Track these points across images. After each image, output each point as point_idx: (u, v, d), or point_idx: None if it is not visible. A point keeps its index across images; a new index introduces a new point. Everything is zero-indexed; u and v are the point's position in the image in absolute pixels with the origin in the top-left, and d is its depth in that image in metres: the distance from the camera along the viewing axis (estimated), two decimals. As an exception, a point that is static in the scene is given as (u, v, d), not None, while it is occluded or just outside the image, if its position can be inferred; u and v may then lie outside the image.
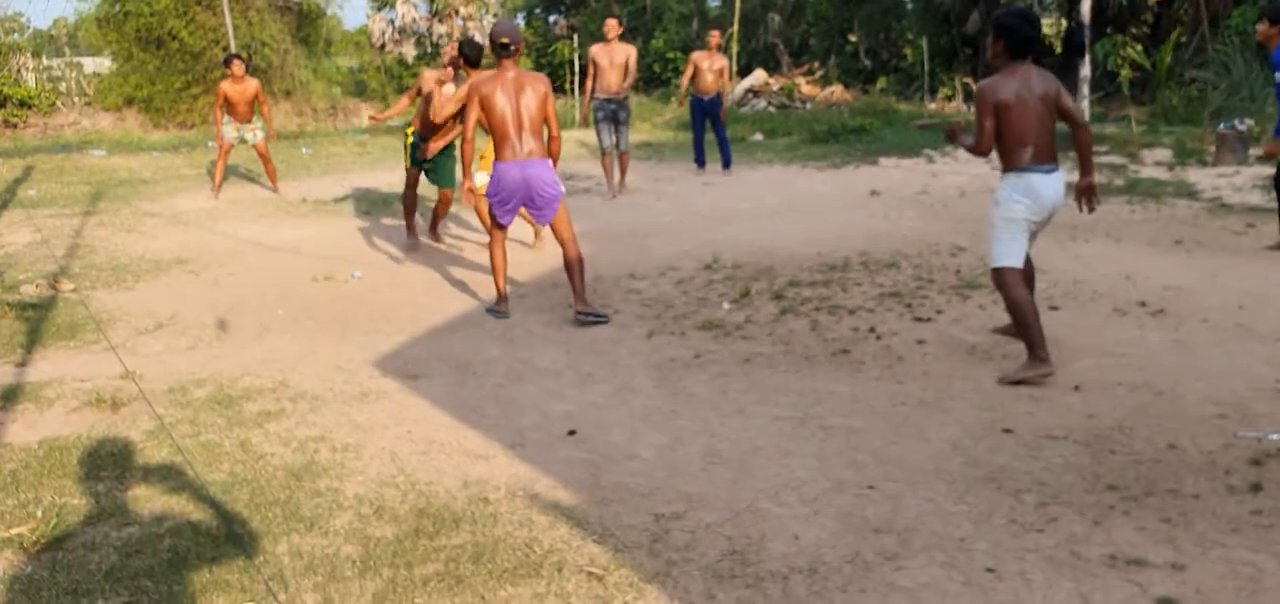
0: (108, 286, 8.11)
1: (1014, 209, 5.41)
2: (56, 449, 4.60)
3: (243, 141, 12.87)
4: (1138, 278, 7.32)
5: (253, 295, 7.78)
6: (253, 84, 12.90)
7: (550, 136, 6.91)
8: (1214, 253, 8.09)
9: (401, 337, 6.56)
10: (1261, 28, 8.19)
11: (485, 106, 6.70)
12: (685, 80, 13.85)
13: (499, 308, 7.03)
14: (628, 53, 12.30)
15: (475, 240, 9.76)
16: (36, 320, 6.98)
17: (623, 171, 12.64)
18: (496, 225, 6.99)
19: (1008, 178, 5.42)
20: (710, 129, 13.76)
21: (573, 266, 6.82)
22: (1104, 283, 7.23)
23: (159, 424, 4.92)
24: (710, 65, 13.51)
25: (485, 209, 9.06)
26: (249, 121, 12.82)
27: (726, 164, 13.86)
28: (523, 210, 7.07)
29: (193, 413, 5.11)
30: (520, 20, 32.14)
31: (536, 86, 6.78)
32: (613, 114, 12.17)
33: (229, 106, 12.68)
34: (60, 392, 5.45)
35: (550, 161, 6.87)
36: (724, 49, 14.57)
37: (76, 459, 4.48)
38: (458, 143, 8.96)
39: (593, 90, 12.32)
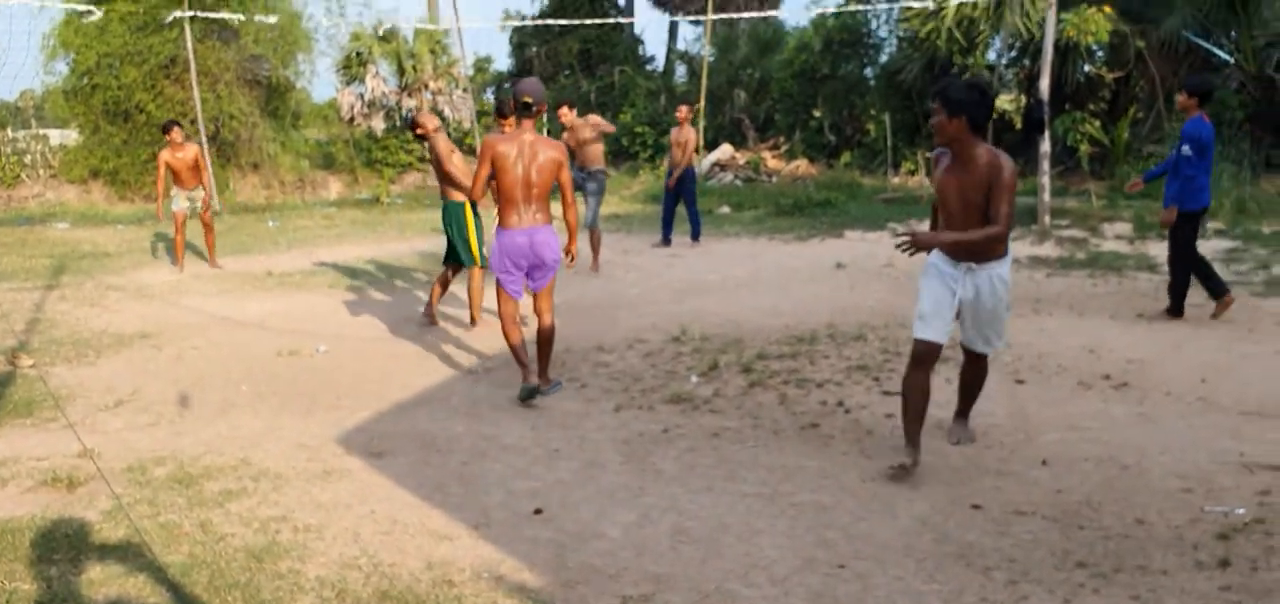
0: (68, 362, 7.98)
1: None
2: (8, 531, 4.48)
3: (193, 205, 12.76)
4: (1101, 351, 7.38)
5: (216, 370, 7.68)
6: (192, 149, 12.80)
7: (565, 205, 6.61)
8: (1176, 325, 8.19)
9: (366, 412, 6.49)
10: (1180, 98, 8.48)
11: (498, 167, 6.42)
12: (673, 160, 13.79)
13: (527, 382, 6.53)
14: (591, 120, 12.37)
15: (448, 315, 9.71)
16: (-7, 397, 6.85)
17: (594, 250, 12.20)
18: (507, 298, 6.68)
19: (1006, 260, 5.24)
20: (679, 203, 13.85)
21: (546, 339, 6.71)
22: (1068, 356, 7.28)
23: (117, 504, 4.82)
24: (679, 139, 13.69)
25: (479, 285, 9.08)
26: (196, 187, 12.75)
27: (696, 236, 13.95)
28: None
29: (152, 492, 5.01)
30: (488, 95, 32.33)
31: (552, 153, 6.48)
32: (580, 184, 11.95)
33: (174, 176, 12.60)
34: (15, 471, 5.33)
35: (552, 228, 6.60)
36: (693, 122, 14.68)
37: (29, 541, 4.37)
38: (461, 207, 8.87)
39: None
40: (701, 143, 24.06)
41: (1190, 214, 8.27)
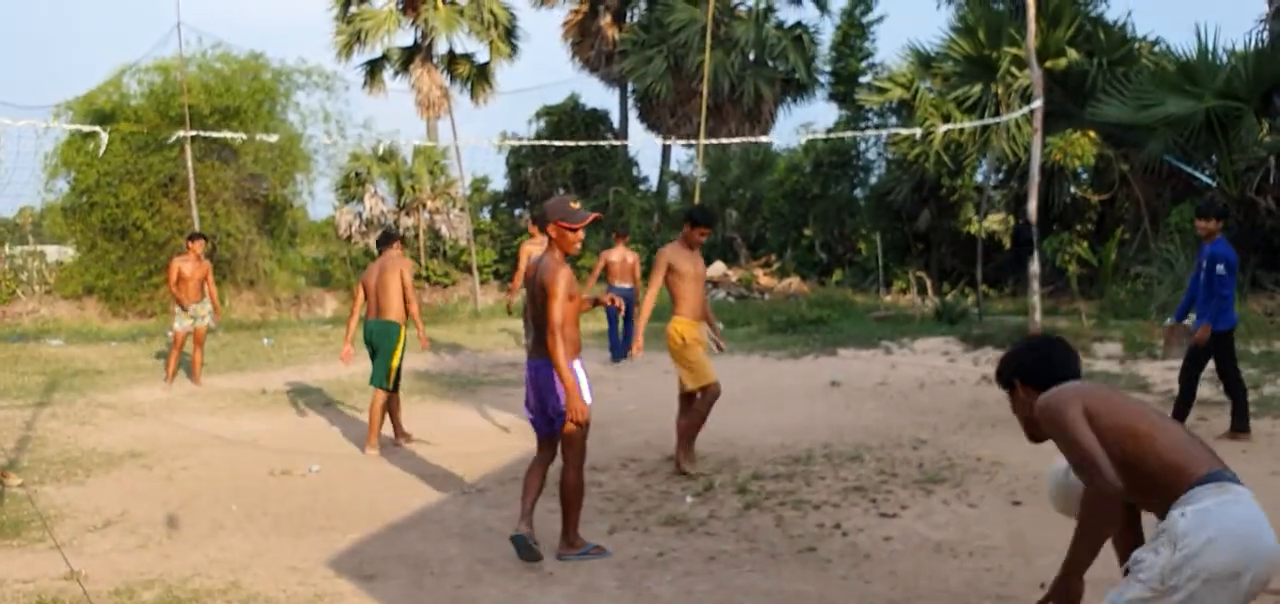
0: (57, 481, 7.92)
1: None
2: (-6, 657, 4.42)
3: (195, 321, 12.84)
4: (1097, 471, 7.36)
5: (206, 490, 7.62)
6: (205, 265, 13.02)
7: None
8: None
9: (357, 534, 6.43)
10: (1199, 223, 8.60)
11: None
12: (594, 277, 14.50)
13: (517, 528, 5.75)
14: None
15: (434, 438, 9.68)
16: (-20, 518, 6.78)
17: None
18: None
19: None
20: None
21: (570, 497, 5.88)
22: (1064, 477, 7.26)
23: (104, 629, 4.75)
24: (621, 260, 14.32)
25: (379, 406, 9.01)
26: (199, 301, 12.85)
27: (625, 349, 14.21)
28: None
29: (140, 617, 4.94)
30: (486, 214, 32.65)
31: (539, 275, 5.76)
32: None
33: (180, 284, 12.72)
34: (0, 594, 5.26)
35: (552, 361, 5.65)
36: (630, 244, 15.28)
37: (15, 668, 4.30)
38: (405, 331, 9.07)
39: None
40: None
41: (1224, 334, 8.34)
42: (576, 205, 5.80)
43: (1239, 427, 8.41)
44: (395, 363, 9.02)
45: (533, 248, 13.04)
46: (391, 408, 9.29)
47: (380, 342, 9.00)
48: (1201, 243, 8.70)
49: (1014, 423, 8.38)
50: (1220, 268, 8.22)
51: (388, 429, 9.38)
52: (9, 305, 21.59)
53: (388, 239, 9.44)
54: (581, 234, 5.75)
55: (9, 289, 21.95)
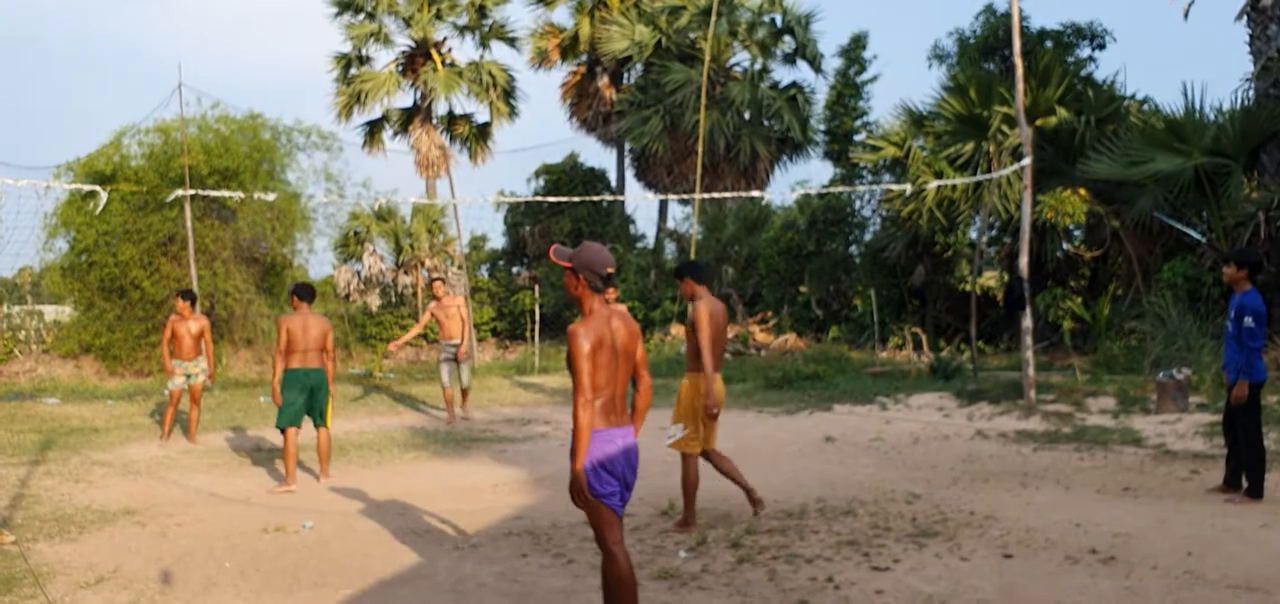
0: (50, 538, 7.91)
1: None
2: (-15, 712, 4.42)
3: (189, 378, 12.88)
4: (1088, 525, 7.39)
5: (200, 547, 7.62)
6: (200, 323, 13.05)
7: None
8: (1161, 499, 8.21)
9: (349, 590, 6.43)
10: (1229, 270, 8.30)
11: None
12: None
13: None
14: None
15: (437, 496, 9.68)
16: (-27, 575, 6.78)
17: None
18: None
19: None
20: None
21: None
22: (1055, 530, 7.29)
23: (95, 684, 4.76)
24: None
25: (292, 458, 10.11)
26: (194, 359, 12.90)
27: None
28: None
29: (131, 672, 4.95)
30: (484, 272, 32.80)
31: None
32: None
33: (175, 344, 12.77)
34: (-7, 650, 5.27)
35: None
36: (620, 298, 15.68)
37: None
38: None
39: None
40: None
41: (1258, 386, 8.07)
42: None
43: (1253, 491, 8.03)
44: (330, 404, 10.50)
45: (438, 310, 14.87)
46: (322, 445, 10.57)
47: (319, 387, 10.40)
48: (1230, 292, 8.42)
49: (1006, 476, 8.46)
50: (1248, 320, 7.92)
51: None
52: (6, 365, 21.59)
53: (302, 293, 11.03)
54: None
55: (6, 348, 21.98)
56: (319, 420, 10.40)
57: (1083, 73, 21.92)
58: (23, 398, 17.84)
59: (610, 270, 5.22)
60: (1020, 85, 14.53)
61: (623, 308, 5.78)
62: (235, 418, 15.39)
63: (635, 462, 5.25)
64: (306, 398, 10.29)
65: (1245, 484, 8.09)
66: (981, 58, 23.63)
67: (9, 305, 24.59)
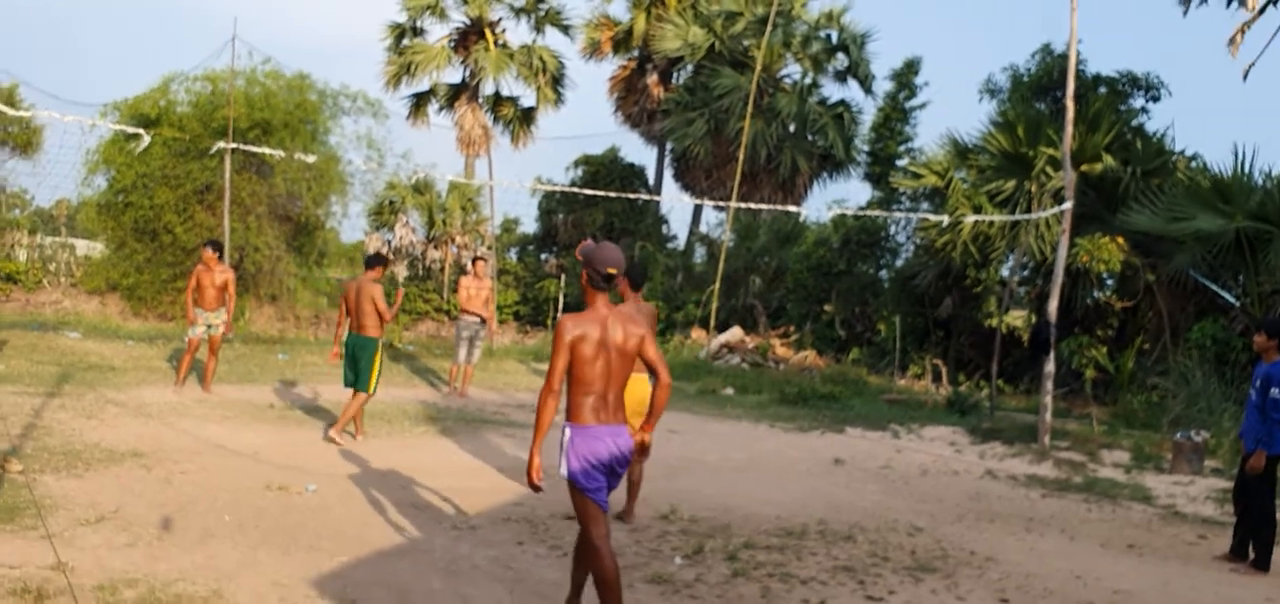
0: (56, 472, 8.00)
1: None
2: (-30, 637, 4.47)
3: (209, 329, 12.99)
4: (1088, 578, 7.31)
5: (203, 497, 7.68)
6: (224, 273, 13.15)
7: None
8: (1166, 560, 8.11)
9: (345, 557, 6.46)
10: (1259, 339, 8.13)
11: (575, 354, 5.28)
12: None
13: None
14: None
15: (433, 465, 9.72)
16: (-23, 499, 6.87)
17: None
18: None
19: None
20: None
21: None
22: (1056, 580, 7.21)
23: (81, 622, 4.80)
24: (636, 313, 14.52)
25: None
26: (216, 310, 13.00)
27: None
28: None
29: (118, 614, 4.99)
30: (513, 254, 32.87)
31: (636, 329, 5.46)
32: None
33: (200, 293, 12.88)
34: (-14, 576, 5.33)
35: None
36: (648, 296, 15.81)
37: (-12, 649, 4.35)
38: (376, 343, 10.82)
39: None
40: (713, 324, 24.33)
41: (1270, 459, 7.87)
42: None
43: (1259, 563, 7.88)
44: (375, 372, 10.77)
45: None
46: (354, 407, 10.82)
47: (360, 353, 10.72)
48: (1257, 360, 8.27)
49: (1011, 519, 8.38)
50: (1275, 391, 7.76)
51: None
52: (34, 294, 21.88)
53: (373, 261, 11.20)
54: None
55: (36, 278, 22.26)
56: (360, 384, 10.76)
57: (1134, 122, 21.63)
58: (46, 329, 18.07)
59: (612, 271, 5.27)
60: (1069, 128, 14.38)
61: (629, 309, 5.74)
62: (252, 372, 15.51)
63: (626, 457, 5.32)
64: (349, 358, 10.90)
65: (1252, 555, 7.98)
66: (1033, 96, 23.40)
67: (43, 235, 24.88)
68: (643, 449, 5.50)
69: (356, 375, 10.75)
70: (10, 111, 19.13)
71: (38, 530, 6.35)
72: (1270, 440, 7.81)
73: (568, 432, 5.30)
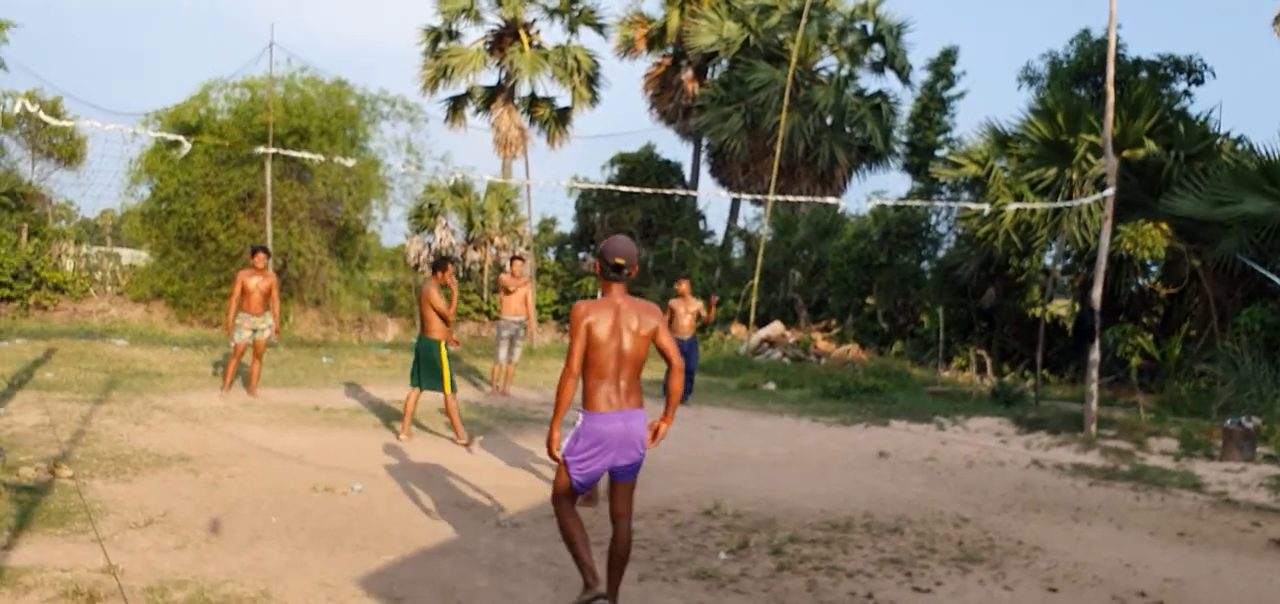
0: (106, 477, 8.11)
1: None
2: (25, 639, 4.53)
3: (255, 333, 13.13)
4: (1138, 567, 7.20)
5: (249, 500, 7.76)
6: (270, 279, 13.29)
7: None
8: (1217, 548, 7.97)
9: (391, 556, 6.50)
10: None
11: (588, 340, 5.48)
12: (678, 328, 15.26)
13: (590, 592, 5.51)
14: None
15: (467, 457, 9.75)
16: (29, 504, 6.97)
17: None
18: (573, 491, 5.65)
19: None
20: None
21: (620, 556, 5.63)
22: (1104, 569, 7.11)
23: (132, 623, 4.86)
24: (685, 309, 15.18)
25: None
26: (261, 315, 13.14)
27: (683, 399, 15.05)
28: None
29: (168, 615, 5.04)
30: (551, 254, 32.95)
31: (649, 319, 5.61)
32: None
33: (245, 298, 13.02)
34: (39, 579, 5.40)
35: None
36: (704, 298, 15.75)
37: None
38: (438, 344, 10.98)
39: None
40: (753, 319, 24.26)
41: None
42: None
43: None
44: (445, 371, 10.88)
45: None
46: (410, 404, 11.17)
47: (425, 355, 10.96)
48: None
49: (1058, 508, 8.27)
50: None
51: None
52: (81, 303, 22.23)
53: (439, 265, 11.38)
54: None
55: (82, 287, 22.61)
56: (438, 385, 10.95)
57: (1176, 106, 21.29)
58: (93, 337, 18.34)
59: (620, 261, 5.49)
60: (1110, 114, 14.20)
61: (643, 301, 5.81)
62: (296, 376, 15.66)
63: (637, 440, 5.50)
64: (414, 360, 11.12)
65: None
66: (1073, 83, 23.12)
67: (88, 245, 25.26)
68: (654, 435, 5.60)
69: (430, 377, 10.93)
70: (55, 122, 19.42)
71: (88, 534, 6.44)
72: None
73: (580, 418, 5.50)
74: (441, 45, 31.23)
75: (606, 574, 5.61)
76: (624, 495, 5.61)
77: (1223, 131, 20.21)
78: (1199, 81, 22.82)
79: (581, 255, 32.59)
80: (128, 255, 25.75)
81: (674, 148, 67.98)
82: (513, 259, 16.47)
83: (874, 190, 37.00)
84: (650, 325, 5.52)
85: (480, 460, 10.01)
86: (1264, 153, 18.19)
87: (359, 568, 6.18)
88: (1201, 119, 20.38)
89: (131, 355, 16.46)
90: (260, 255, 13.35)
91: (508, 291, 15.66)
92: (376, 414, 12.57)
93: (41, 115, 15.41)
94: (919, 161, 29.30)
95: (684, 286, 15.71)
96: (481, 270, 27.31)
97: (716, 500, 8.57)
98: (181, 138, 19.14)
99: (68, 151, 29.87)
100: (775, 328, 24.83)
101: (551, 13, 31.27)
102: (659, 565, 6.67)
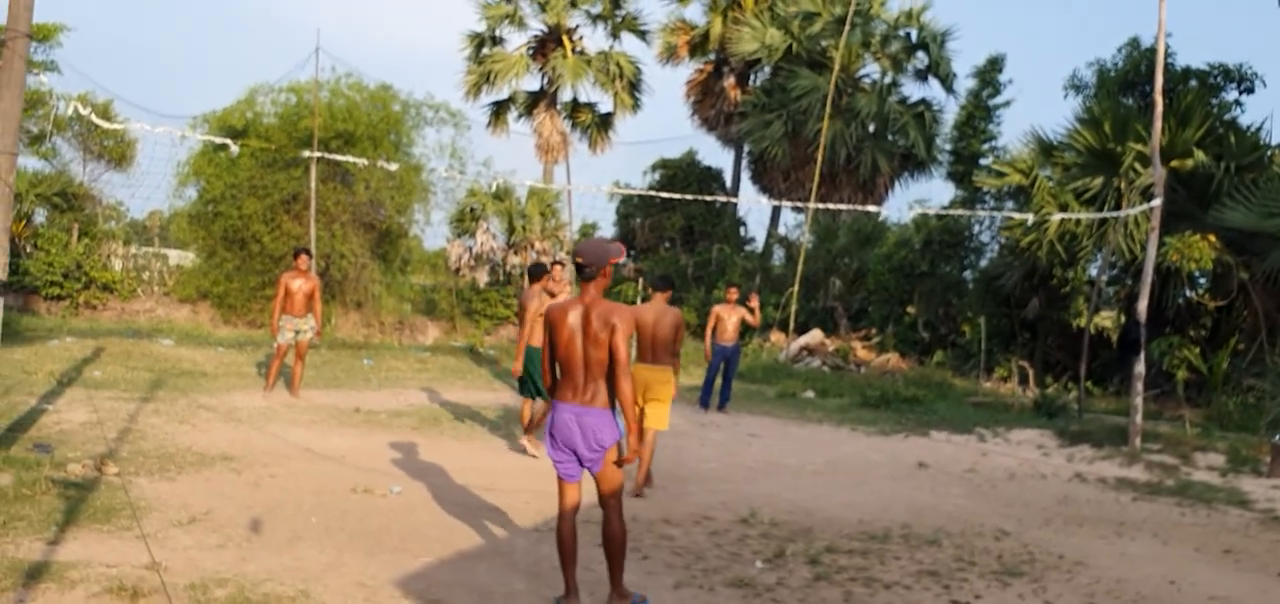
0: (150, 475, 8.24)
1: None
2: (70, 633, 4.61)
3: (297, 335, 13.27)
4: (1183, 584, 7.09)
5: (290, 500, 7.84)
6: (312, 281, 13.43)
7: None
8: (1266, 567, 7.83)
9: (429, 558, 6.54)
10: None
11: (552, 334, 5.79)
12: (709, 332, 15.45)
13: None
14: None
15: (506, 465, 9.79)
16: (76, 500, 7.09)
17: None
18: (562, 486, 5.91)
19: None
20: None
21: (612, 545, 5.83)
22: (1147, 585, 7.02)
23: (174, 620, 4.93)
24: (730, 314, 15.29)
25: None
26: (304, 316, 13.28)
27: (722, 405, 15.34)
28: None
29: (209, 612, 5.11)
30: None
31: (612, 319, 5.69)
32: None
33: (288, 299, 13.15)
34: (84, 574, 5.50)
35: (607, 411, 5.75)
36: (743, 301, 15.69)
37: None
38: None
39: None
40: (792, 327, 24.18)
41: None
42: (609, 241, 6.03)
43: None
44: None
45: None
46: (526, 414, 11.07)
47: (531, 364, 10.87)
48: None
49: (1101, 523, 8.16)
50: None
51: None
52: (129, 302, 22.58)
53: (535, 273, 11.52)
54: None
55: (130, 287, 22.97)
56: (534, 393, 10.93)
57: (1226, 116, 20.92)
58: (140, 336, 18.62)
59: (580, 260, 5.78)
60: (1158, 123, 14.01)
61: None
62: (338, 378, 15.80)
63: (591, 437, 5.66)
64: (526, 371, 10.99)
65: None
66: (1120, 92, 22.79)
67: (137, 246, 25.65)
68: (619, 454, 5.79)
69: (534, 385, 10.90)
70: (105, 125, 19.79)
71: (133, 531, 6.54)
72: None
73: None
74: (485, 51, 31.44)
75: (608, 566, 5.84)
76: (600, 484, 5.80)
77: (1274, 142, 19.89)
78: (1249, 91, 22.41)
79: (620, 262, 32.66)
80: (175, 256, 26.13)
81: (715, 154, 67.96)
82: (553, 263, 16.38)
83: (916, 199, 36.76)
84: (610, 326, 5.64)
85: (517, 464, 10.07)
86: (1317, 164, 17.88)
87: (397, 569, 6.23)
88: (1252, 129, 20.04)
89: (177, 355, 16.69)
90: (303, 257, 13.51)
91: (552, 296, 15.61)
92: (416, 417, 12.65)
93: (93, 118, 15.70)
94: (963, 170, 29.04)
95: (732, 294, 15.71)
96: (521, 275, 27.41)
97: (753, 509, 8.55)
98: (229, 140, 19.44)
99: (118, 154, 30.33)
100: (815, 336, 24.72)
101: (594, 19, 31.39)
102: (695, 573, 6.67)
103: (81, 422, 10.28)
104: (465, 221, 27.62)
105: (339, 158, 20.65)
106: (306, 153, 20.49)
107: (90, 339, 17.49)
